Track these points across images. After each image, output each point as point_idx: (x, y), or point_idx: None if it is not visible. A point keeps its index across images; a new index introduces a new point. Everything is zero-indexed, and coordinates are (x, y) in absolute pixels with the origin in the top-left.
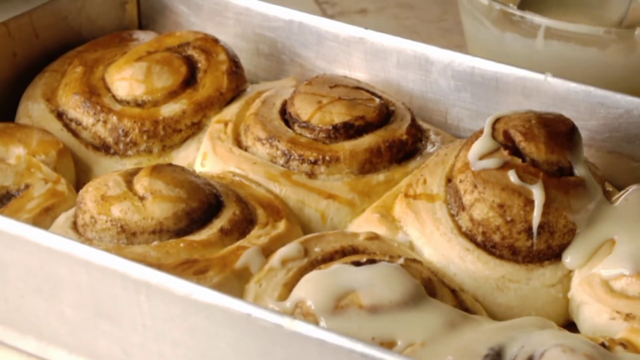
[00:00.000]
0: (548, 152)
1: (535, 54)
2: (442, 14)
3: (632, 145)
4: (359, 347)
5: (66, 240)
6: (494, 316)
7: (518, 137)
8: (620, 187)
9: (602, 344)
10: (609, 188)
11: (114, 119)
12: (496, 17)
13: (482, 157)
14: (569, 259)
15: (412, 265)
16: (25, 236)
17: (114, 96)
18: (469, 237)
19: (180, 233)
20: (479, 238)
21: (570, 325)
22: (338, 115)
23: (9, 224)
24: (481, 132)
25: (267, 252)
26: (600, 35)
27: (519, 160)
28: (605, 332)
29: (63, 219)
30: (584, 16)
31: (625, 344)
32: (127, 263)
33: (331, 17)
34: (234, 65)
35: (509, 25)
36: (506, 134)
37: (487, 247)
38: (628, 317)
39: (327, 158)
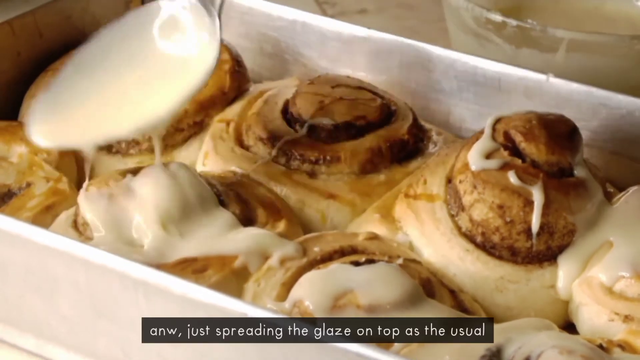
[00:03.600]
0: (548, 153)
1: (553, 68)
2: (443, 14)
3: (633, 146)
4: (356, 347)
5: (65, 238)
6: (493, 317)
7: (518, 138)
8: (621, 188)
9: (600, 346)
10: (610, 189)
11: None
12: (511, 34)
13: (482, 158)
14: (561, 283)
15: (410, 265)
16: (25, 235)
17: None
18: (469, 237)
19: None
20: (479, 239)
21: (569, 327)
22: (339, 115)
23: (8, 223)
24: (482, 132)
25: None
26: (627, 44)
27: (519, 161)
28: (604, 333)
29: (64, 217)
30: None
31: (624, 346)
32: (126, 262)
33: (332, 17)
34: (237, 64)
35: (526, 41)
36: (506, 135)
37: (487, 247)
38: (627, 318)
39: (328, 158)
